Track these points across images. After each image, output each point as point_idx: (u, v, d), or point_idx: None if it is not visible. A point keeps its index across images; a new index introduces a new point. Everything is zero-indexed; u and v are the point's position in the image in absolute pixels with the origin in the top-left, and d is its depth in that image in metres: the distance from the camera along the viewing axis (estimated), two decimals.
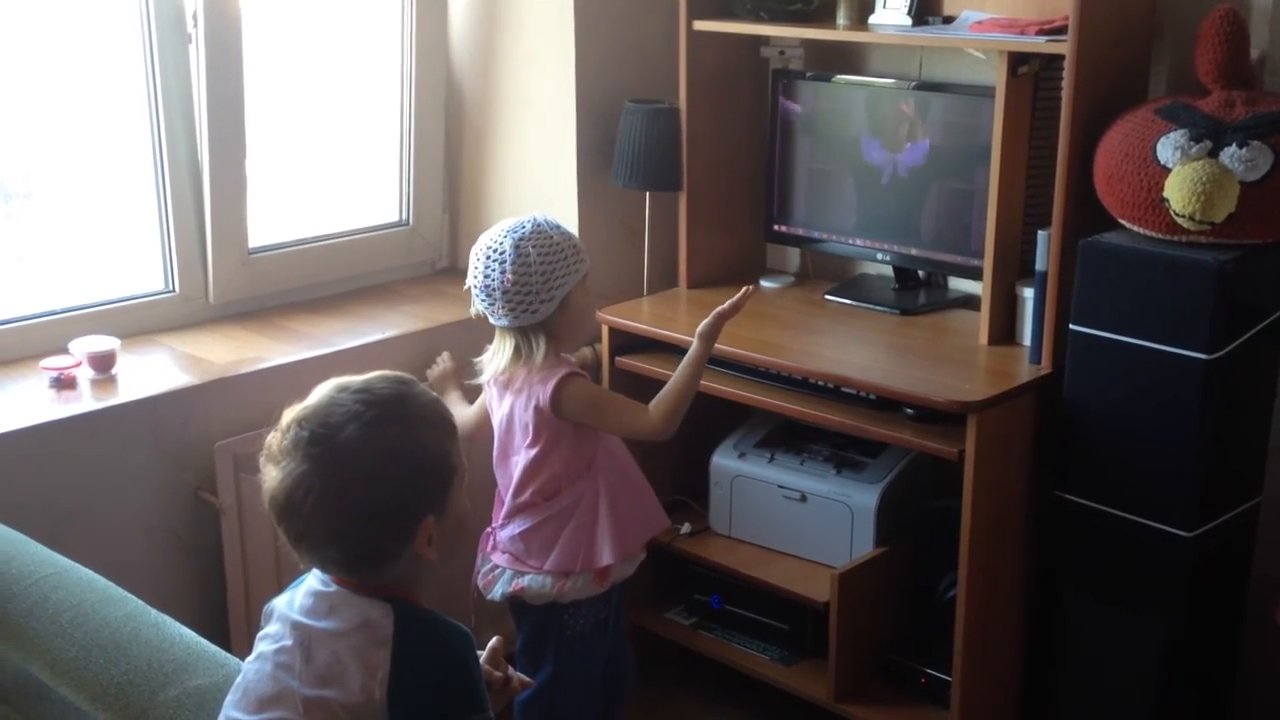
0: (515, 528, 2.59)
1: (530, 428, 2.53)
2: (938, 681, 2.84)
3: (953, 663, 2.74)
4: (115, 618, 1.88)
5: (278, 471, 1.55)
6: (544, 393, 2.50)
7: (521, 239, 2.48)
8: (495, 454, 2.64)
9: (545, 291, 2.47)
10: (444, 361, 2.95)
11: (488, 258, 2.49)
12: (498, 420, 2.61)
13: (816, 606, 2.91)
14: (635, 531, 2.64)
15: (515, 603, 2.62)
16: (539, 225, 2.51)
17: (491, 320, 2.54)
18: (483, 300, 2.52)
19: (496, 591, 2.61)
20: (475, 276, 2.52)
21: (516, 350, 2.53)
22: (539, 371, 2.52)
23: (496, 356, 2.56)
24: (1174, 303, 2.46)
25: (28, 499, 2.43)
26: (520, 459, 2.56)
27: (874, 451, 3.02)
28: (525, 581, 2.58)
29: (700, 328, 2.60)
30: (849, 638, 2.86)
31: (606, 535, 2.57)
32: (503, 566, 2.61)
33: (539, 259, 2.46)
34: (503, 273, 2.46)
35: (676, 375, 2.61)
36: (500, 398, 2.60)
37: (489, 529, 2.68)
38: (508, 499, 2.60)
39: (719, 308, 2.58)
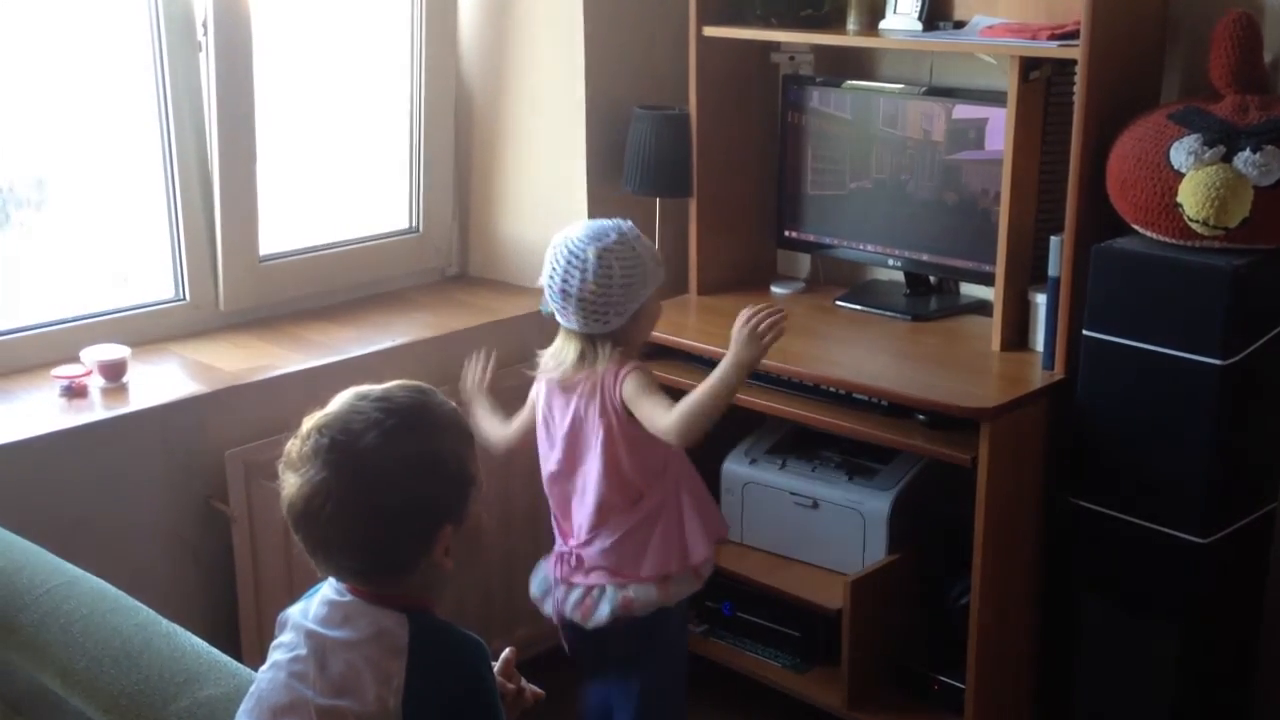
0: (605, 540, 2.49)
1: (606, 430, 2.45)
2: (951, 688, 2.83)
3: (966, 669, 2.73)
4: (127, 627, 1.88)
5: (297, 479, 1.55)
6: (615, 383, 2.43)
7: (605, 249, 2.40)
8: (555, 467, 2.54)
9: (622, 304, 2.42)
10: (476, 372, 2.73)
11: (568, 262, 2.42)
12: (561, 429, 2.51)
13: (829, 613, 2.90)
14: (715, 518, 2.60)
15: (619, 618, 2.51)
16: (624, 234, 2.44)
17: (561, 321, 2.48)
18: (556, 301, 2.45)
19: (603, 612, 2.50)
20: (553, 278, 2.44)
21: (581, 356, 2.46)
22: (605, 373, 2.45)
23: (560, 357, 2.49)
24: (1188, 308, 2.45)
25: (38, 508, 2.43)
26: (596, 466, 2.48)
27: (886, 458, 3.01)
28: (632, 593, 2.49)
29: (742, 335, 2.41)
30: (862, 645, 2.85)
31: (697, 528, 2.52)
32: (601, 584, 2.51)
33: (621, 272, 2.40)
34: (583, 281, 2.39)
35: (709, 394, 2.40)
36: (559, 403, 2.52)
37: (562, 551, 2.57)
38: (589, 512, 2.50)
39: (768, 320, 2.40)
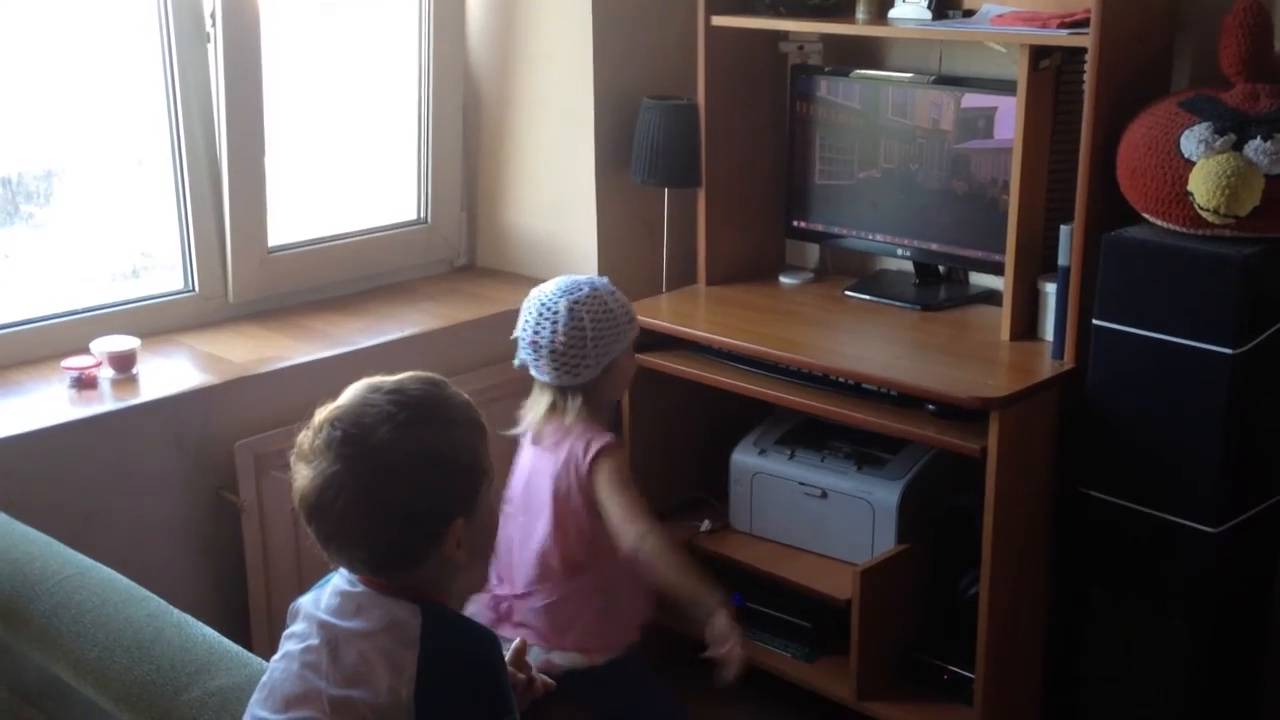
0: (538, 600, 2.50)
1: (562, 497, 2.47)
2: (960, 678, 2.83)
3: (975, 659, 2.72)
4: (138, 617, 1.88)
5: (309, 470, 1.55)
6: (584, 455, 2.45)
7: (577, 302, 2.45)
8: (509, 507, 2.55)
9: (593, 357, 2.45)
10: None
11: (539, 314, 2.47)
12: (520, 474, 2.55)
13: (838, 604, 2.90)
14: (639, 613, 2.59)
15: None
16: (596, 289, 2.49)
17: (533, 373, 2.52)
18: (528, 353, 2.49)
19: None
20: (525, 330, 2.49)
21: (552, 406, 2.50)
22: (576, 434, 2.47)
23: (533, 409, 2.54)
24: (1199, 297, 2.44)
25: (49, 499, 2.44)
26: (544, 526, 2.49)
27: (895, 448, 3.00)
28: (556, 658, 2.48)
29: (719, 621, 2.41)
30: (871, 635, 2.85)
31: (635, 610, 2.55)
32: (529, 643, 2.43)
33: (592, 325, 2.44)
34: (553, 333, 2.44)
35: (687, 578, 2.42)
36: (527, 450, 2.55)
37: (497, 594, 2.56)
38: (529, 564, 2.50)
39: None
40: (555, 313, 2.45)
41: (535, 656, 2.45)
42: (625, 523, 2.41)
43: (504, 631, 2.51)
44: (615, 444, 2.50)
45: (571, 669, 2.48)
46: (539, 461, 2.52)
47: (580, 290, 2.48)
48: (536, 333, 2.47)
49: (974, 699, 2.75)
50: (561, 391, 2.49)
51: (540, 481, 2.51)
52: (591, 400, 2.50)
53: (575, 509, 2.47)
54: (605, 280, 2.54)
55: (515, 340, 2.53)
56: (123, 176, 2.96)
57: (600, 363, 2.47)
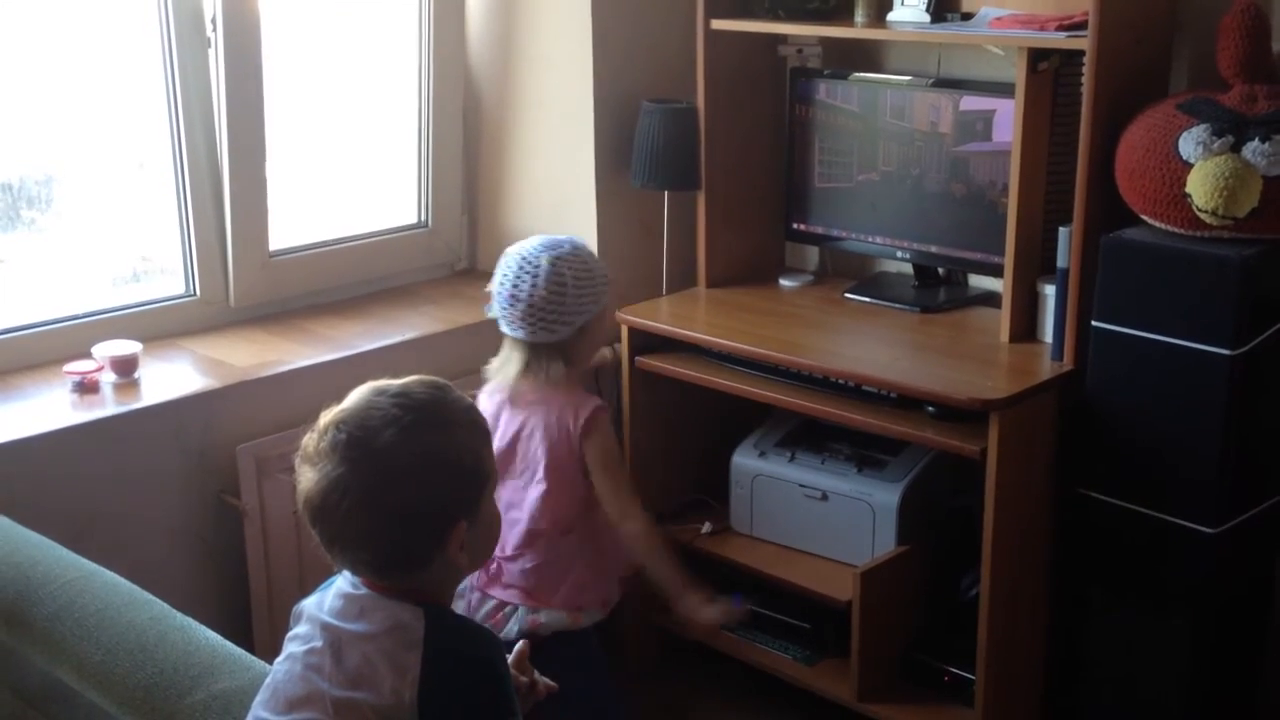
0: (527, 561, 2.52)
1: (554, 464, 2.48)
2: (961, 680, 2.83)
3: (976, 660, 2.73)
4: (141, 621, 1.89)
5: (313, 473, 1.55)
6: (575, 422, 2.46)
7: (558, 258, 2.45)
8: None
9: (571, 313, 2.45)
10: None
11: (520, 267, 2.46)
12: (503, 436, 2.53)
13: (838, 605, 2.90)
14: (621, 564, 2.63)
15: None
16: (576, 247, 2.49)
17: (504, 329, 2.51)
18: (504, 307, 2.48)
19: (510, 630, 2.50)
20: (503, 284, 2.48)
21: (526, 366, 2.49)
22: (565, 396, 2.48)
23: (505, 368, 2.53)
24: (1197, 298, 2.45)
25: (52, 503, 2.44)
26: (536, 492, 2.50)
27: (895, 450, 3.01)
28: (542, 617, 2.51)
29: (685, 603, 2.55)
30: (871, 636, 2.85)
31: (616, 567, 2.60)
32: (514, 603, 2.53)
33: (573, 280, 2.45)
34: (533, 287, 2.44)
35: (662, 562, 2.55)
36: (503, 413, 2.53)
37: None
38: (519, 530, 2.52)
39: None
40: (536, 266, 2.44)
41: (521, 618, 2.51)
42: (610, 498, 2.49)
43: (493, 592, 2.54)
44: (602, 408, 2.51)
45: (559, 630, 2.51)
46: (527, 423, 2.51)
47: (561, 247, 2.48)
48: (516, 285, 2.45)
49: (974, 700, 2.75)
50: (535, 350, 2.48)
51: (531, 445, 2.50)
52: (570, 361, 2.50)
53: (569, 473, 2.49)
54: (582, 240, 2.55)
55: (488, 292, 2.52)
56: (123, 181, 2.97)
57: (576, 321, 2.46)
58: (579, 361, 2.55)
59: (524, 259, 2.47)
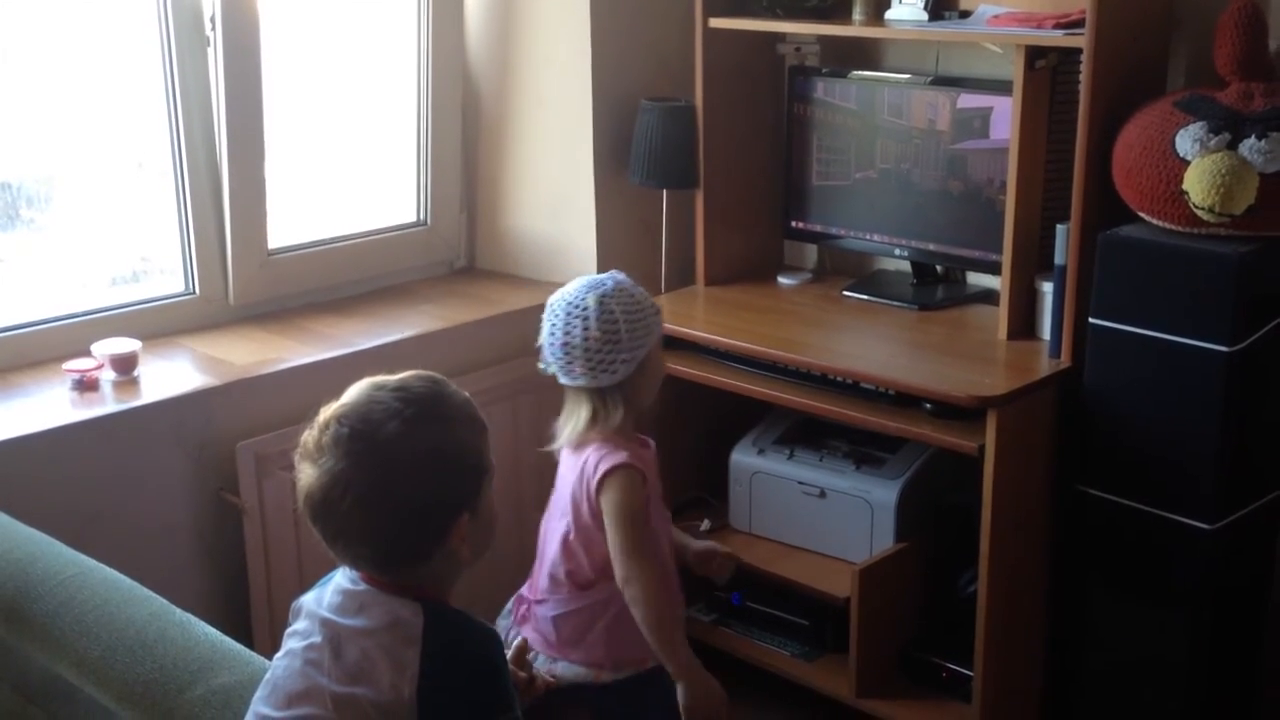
0: (549, 610, 2.42)
1: (574, 510, 2.37)
2: (960, 676, 2.84)
3: (974, 656, 2.73)
4: (140, 617, 1.89)
5: (314, 469, 1.55)
6: (595, 473, 2.33)
7: (605, 295, 2.32)
8: (549, 508, 2.49)
9: (628, 351, 2.32)
10: None
11: (568, 313, 2.33)
12: (559, 480, 2.45)
13: (837, 602, 2.91)
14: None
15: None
16: (620, 282, 2.36)
17: (564, 380, 2.37)
18: (559, 358, 2.34)
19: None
20: (553, 333, 2.35)
21: (593, 414, 2.36)
22: (612, 442, 2.35)
23: (572, 420, 2.39)
24: (1194, 295, 2.45)
25: (51, 500, 2.44)
26: (557, 537, 2.40)
27: (893, 447, 3.01)
28: (560, 669, 2.39)
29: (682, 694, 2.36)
30: (870, 633, 2.86)
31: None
32: (536, 650, 2.40)
33: (624, 316, 2.31)
34: (585, 329, 2.30)
35: (662, 636, 2.34)
36: (565, 457, 2.44)
37: (524, 594, 2.50)
38: (545, 572, 2.43)
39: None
40: (585, 309, 2.31)
41: (541, 663, 2.40)
42: (616, 556, 2.33)
43: (524, 632, 2.45)
44: (625, 464, 2.34)
45: (576, 683, 2.40)
46: (569, 466, 2.42)
47: (605, 285, 2.34)
48: (568, 333, 2.32)
49: (973, 696, 2.76)
50: (600, 395, 2.35)
51: (563, 489, 2.43)
52: (631, 403, 2.37)
53: (584, 520, 2.38)
54: (624, 274, 2.41)
55: (539, 348, 2.38)
56: (123, 180, 2.97)
57: (635, 357, 2.33)
58: (643, 400, 2.41)
59: (570, 304, 2.34)
